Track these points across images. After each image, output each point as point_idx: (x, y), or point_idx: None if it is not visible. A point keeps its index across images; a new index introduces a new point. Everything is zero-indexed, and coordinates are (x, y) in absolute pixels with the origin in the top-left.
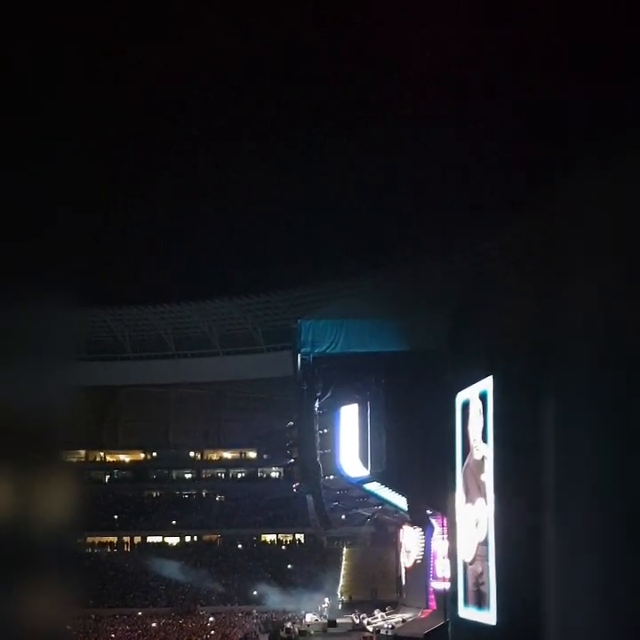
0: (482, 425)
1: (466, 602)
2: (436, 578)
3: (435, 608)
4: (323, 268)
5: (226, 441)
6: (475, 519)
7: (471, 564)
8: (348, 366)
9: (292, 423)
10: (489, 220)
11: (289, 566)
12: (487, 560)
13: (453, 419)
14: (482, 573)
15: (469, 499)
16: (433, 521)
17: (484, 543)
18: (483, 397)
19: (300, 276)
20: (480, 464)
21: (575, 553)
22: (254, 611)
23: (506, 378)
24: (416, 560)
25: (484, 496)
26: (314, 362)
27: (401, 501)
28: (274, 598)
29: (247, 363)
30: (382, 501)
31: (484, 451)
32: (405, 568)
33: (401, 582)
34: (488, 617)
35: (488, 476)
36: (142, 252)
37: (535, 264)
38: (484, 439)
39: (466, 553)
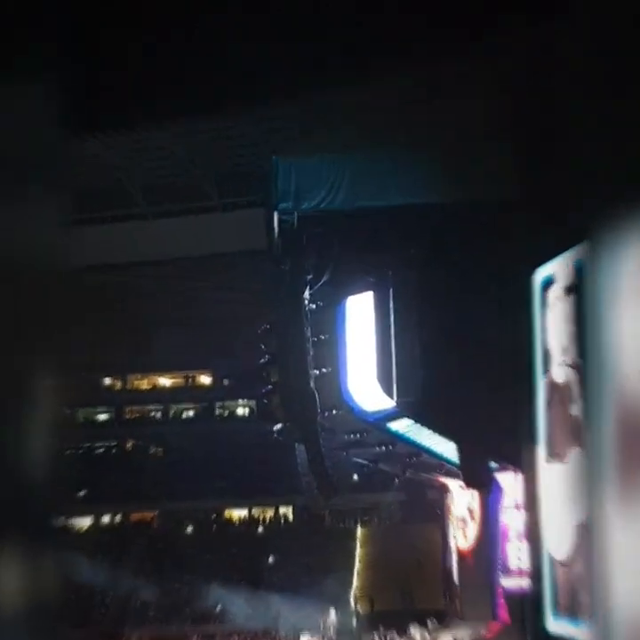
0: (574, 321)
1: (556, 609)
2: (507, 572)
3: (507, 620)
4: (318, 70)
5: (162, 359)
6: (567, 485)
7: (566, 564)
8: (357, 231)
9: (267, 326)
10: None
11: (270, 559)
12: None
13: (530, 312)
14: (582, 576)
15: (555, 451)
16: (500, 480)
17: (587, 527)
18: (578, 273)
19: (280, 84)
20: (569, 390)
21: None
22: (215, 633)
23: (615, 240)
24: (476, 543)
25: (582, 444)
26: (300, 225)
27: (447, 449)
28: (246, 611)
29: (193, 229)
30: (417, 449)
31: (568, 360)
32: (458, 557)
33: (451, 580)
34: (588, 636)
35: (578, 399)
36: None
37: None
38: (580, 345)
39: (556, 544)
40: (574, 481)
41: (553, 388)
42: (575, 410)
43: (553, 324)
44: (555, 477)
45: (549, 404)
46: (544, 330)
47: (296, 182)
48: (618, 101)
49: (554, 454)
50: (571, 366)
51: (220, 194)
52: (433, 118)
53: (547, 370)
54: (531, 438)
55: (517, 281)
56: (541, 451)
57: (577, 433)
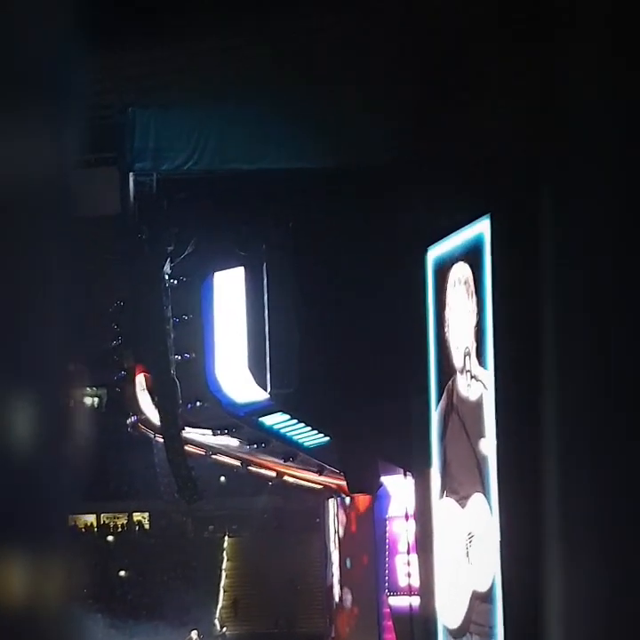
0: (475, 311)
1: (459, 631)
2: (394, 590)
3: None
4: (179, 14)
5: None
6: (465, 531)
7: (458, 636)
8: (226, 198)
9: (120, 303)
10: None
11: (121, 573)
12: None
13: (424, 296)
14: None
15: (451, 487)
16: (387, 485)
17: (487, 598)
18: (474, 252)
19: (139, 26)
20: (475, 412)
21: None
22: None
23: (518, 214)
24: (359, 557)
25: (483, 483)
26: (161, 189)
27: (328, 449)
28: (95, 635)
29: None
30: (294, 448)
31: (476, 370)
32: (340, 572)
33: (332, 599)
34: None
35: (489, 431)
36: None
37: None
38: (479, 340)
39: (450, 614)
40: (472, 521)
41: (454, 402)
42: (483, 445)
43: (452, 317)
44: (447, 519)
45: (447, 424)
46: (440, 322)
47: (155, 139)
48: (520, 58)
49: (449, 490)
50: (475, 378)
51: None
52: (309, 74)
53: (446, 374)
54: (423, 439)
55: (409, 260)
56: (434, 481)
57: (480, 475)
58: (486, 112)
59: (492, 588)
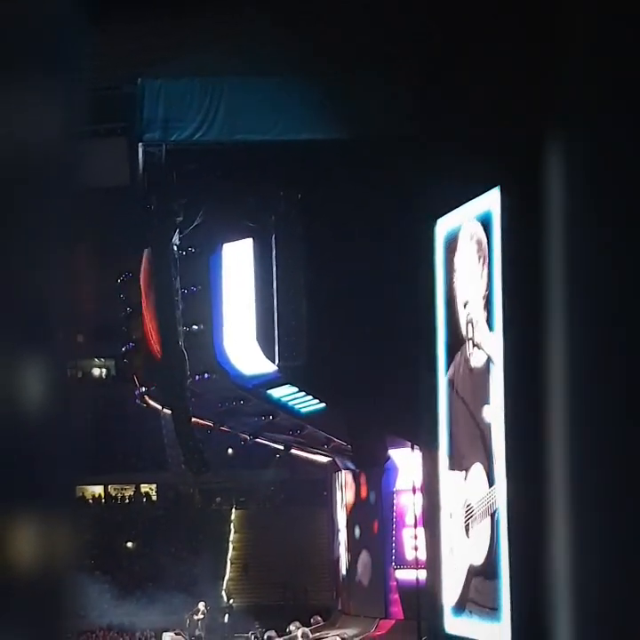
0: (485, 281)
1: (458, 606)
2: (401, 563)
3: (400, 617)
4: None
5: None
6: (465, 504)
7: (457, 613)
8: (235, 169)
9: (128, 274)
10: None
11: (129, 545)
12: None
13: (433, 267)
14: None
15: (456, 460)
16: (394, 458)
17: (484, 573)
18: (485, 224)
19: None
20: (479, 381)
21: None
22: None
23: (527, 186)
24: (366, 530)
25: (487, 453)
26: (170, 160)
27: (336, 422)
28: (101, 606)
29: None
30: (302, 421)
31: (485, 339)
32: (346, 545)
33: (339, 572)
34: (496, 631)
35: (492, 400)
36: None
37: None
38: (487, 309)
39: (448, 590)
40: (470, 503)
41: (460, 372)
42: (485, 413)
43: (459, 286)
44: (452, 492)
45: (453, 395)
46: (449, 293)
47: (164, 109)
48: (532, 34)
49: (455, 462)
50: (478, 347)
51: None
52: (320, 43)
53: (454, 346)
54: (431, 411)
55: (419, 231)
56: (441, 453)
57: (482, 445)
58: (496, 85)
59: (487, 563)
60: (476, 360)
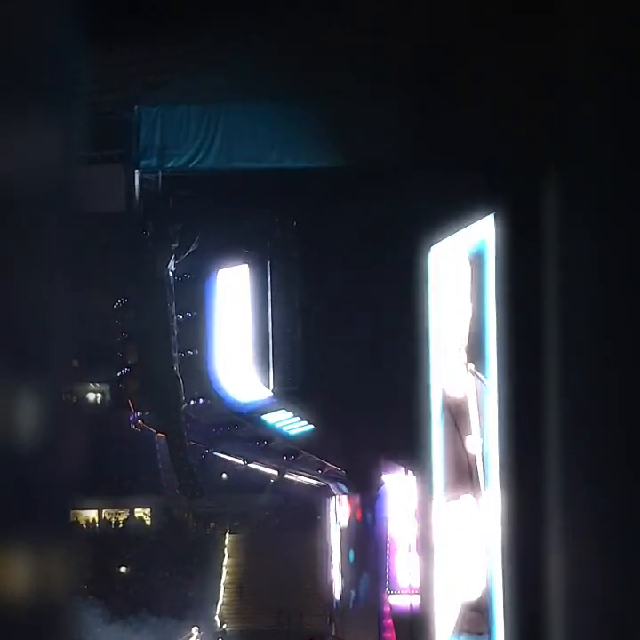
0: (475, 308)
1: (451, 634)
2: (395, 588)
3: None
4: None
5: None
6: (458, 533)
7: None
8: (230, 196)
9: (124, 300)
10: None
11: (122, 568)
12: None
13: (427, 293)
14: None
15: (449, 492)
16: (388, 483)
17: (476, 601)
18: (479, 252)
19: (145, 20)
20: (465, 409)
21: None
22: None
23: (523, 213)
24: (359, 555)
25: (472, 483)
26: (166, 186)
27: (330, 446)
28: (94, 630)
29: None
30: (296, 447)
31: (478, 365)
32: (340, 571)
33: (332, 597)
34: None
35: (480, 429)
36: None
37: None
38: (479, 337)
39: (443, 619)
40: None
41: (453, 400)
42: (472, 442)
43: (453, 313)
44: (446, 519)
45: (447, 422)
46: (442, 319)
47: (161, 136)
48: (523, 55)
49: (448, 489)
50: (472, 373)
51: None
52: (314, 73)
53: (447, 372)
54: (425, 437)
55: (413, 258)
56: (435, 479)
57: (472, 474)
58: (490, 111)
59: (480, 592)
60: (469, 388)
